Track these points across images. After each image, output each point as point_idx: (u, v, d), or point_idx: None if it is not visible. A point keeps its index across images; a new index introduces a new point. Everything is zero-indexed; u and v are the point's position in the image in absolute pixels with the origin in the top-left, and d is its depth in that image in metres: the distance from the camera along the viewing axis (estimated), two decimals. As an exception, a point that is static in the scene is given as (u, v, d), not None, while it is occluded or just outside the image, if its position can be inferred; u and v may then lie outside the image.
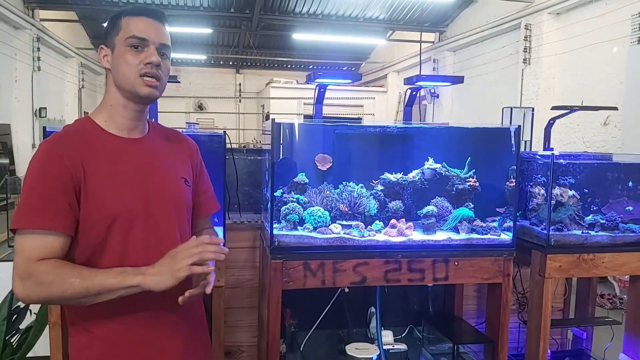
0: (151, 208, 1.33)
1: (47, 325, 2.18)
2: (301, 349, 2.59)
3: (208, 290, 1.26)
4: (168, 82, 1.42)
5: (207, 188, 1.56)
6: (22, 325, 2.37)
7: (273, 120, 2.22)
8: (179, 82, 2.29)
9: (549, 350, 2.52)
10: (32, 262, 1.20)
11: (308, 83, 2.80)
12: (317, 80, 2.61)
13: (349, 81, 2.81)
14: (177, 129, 1.62)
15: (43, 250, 1.21)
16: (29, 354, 2.30)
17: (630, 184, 2.59)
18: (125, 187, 1.31)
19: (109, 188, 1.28)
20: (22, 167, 8.72)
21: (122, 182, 1.31)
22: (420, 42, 10.63)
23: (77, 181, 1.25)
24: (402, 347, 2.56)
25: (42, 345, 2.28)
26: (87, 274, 1.20)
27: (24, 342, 2.26)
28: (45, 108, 9.80)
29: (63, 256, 1.25)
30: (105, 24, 1.38)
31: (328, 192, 2.38)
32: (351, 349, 2.41)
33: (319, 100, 2.73)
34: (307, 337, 2.63)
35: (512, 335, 2.72)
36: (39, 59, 9.67)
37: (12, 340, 2.29)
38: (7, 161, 8.07)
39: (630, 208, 2.56)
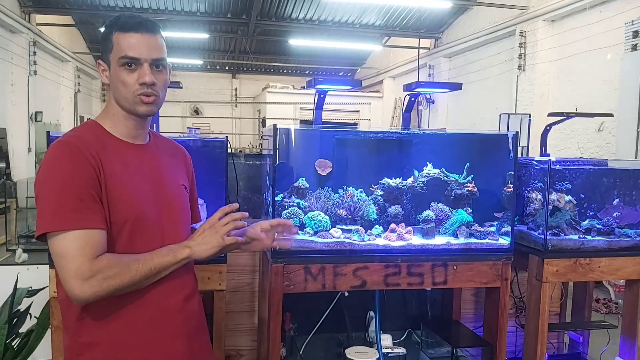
0: (159, 212, 1.36)
1: (48, 329, 2.18)
2: (301, 352, 2.60)
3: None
4: (169, 87, 1.44)
5: (197, 197, 1.62)
6: (23, 329, 2.36)
7: (274, 125, 2.24)
8: (181, 87, 2.30)
9: (546, 354, 2.54)
10: (92, 261, 1.20)
11: (308, 88, 2.82)
12: (318, 86, 2.64)
13: (349, 88, 2.84)
14: (175, 134, 1.65)
15: (95, 247, 1.22)
16: (30, 358, 2.30)
17: (617, 200, 2.62)
18: (138, 191, 1.33)
19: (125, 190, 1.31)
20: (18, 172, 8.69)
21: (136, 185, 1.34)
22: (419, 48, 10.69)
23: (100, 179, 1.26)
24: (401, 350, 2.58)
25: (43, 349, 2.28)
26: (143, 258, 1.27)
27: (25, 345, 2.26)
28: (41, 112, 9.78)
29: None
30: (101, 29, 1.40)
31: (349, 193, 2.39)
32: (351, 352, 2.42)
33: (319, 106, 2.76)
34: (306, 341, 2.64)
35: (510, 339, 2.74)
36: (35, 63, 9.66)
37: (13, 344, 2.28)
38: (3, 165, 8.04)
39: (617, 214, 2.59)
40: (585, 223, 2.57)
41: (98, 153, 1.29)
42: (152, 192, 1.36)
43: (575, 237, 2.49)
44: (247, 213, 1.39)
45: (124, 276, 1.23)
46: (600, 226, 2.56)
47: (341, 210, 2.38)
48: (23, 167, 8.92)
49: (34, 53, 9.63)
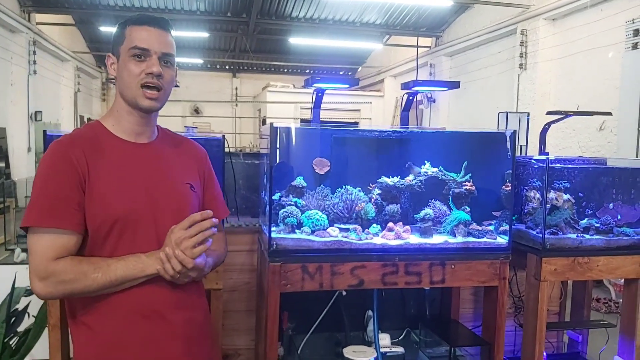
0: (153, 212, 1.35)
1: (46, 328, 2.19)
2: (299, 352, 2.60)
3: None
4: None
5: (217, 194, 1.58)
6: (21, 328, 2.37)
7: (271, 124, 2.24)
8: (178, 87, 2.30)
9: (544, 353, 2.54)
10: (50, 262, 1.22)
11: (306, 87, 2.82)
12: (315, 85, 2.64)
13: (347, 86, 2.84)
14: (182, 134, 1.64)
15: (58, 249, 1.24)
16: (27, 357, 2.30)
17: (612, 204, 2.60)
18: (129, 191, 1.33)
19: (114, 190, 1.31)
20: (17, 171, 8.70)
21: (127, 185, 1.33)
22: (417, 47, 10.69)
23: (83, 181, 1.28)
24: (400, 350, 2.57)
25: (41, 348, 2.28)
26: (106, 267, 1.25)
27: (23, 344, 2.26)
28: (41, 112, 9.80)
29: (75, 254, 1.28)
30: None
31: (361, 206, 2.38)
32: (348, 352, 2.42)
33: (317, 105, 2.75)
34: (304, 340, 2.63)
35: (509, 338, 2.74)
36: (34, 62, 9.68)
37: (11, 343, 2.29)
38: (2, 165, 8.06)
39: (611, 206, 2.58)
40: (584, 222, 2.56)
41: (86, 153, 1.30)
42: (145, 191, 1.35)
43: (574, 236, 2.48)
44: (216, 220, 1.32)
45: (78, 283, 1.24)
46: (598, 225, 2.55)
47: (360, 204, 2.36)
48: (23, 167, 8.94)
49: (34, 52, 9.65)
